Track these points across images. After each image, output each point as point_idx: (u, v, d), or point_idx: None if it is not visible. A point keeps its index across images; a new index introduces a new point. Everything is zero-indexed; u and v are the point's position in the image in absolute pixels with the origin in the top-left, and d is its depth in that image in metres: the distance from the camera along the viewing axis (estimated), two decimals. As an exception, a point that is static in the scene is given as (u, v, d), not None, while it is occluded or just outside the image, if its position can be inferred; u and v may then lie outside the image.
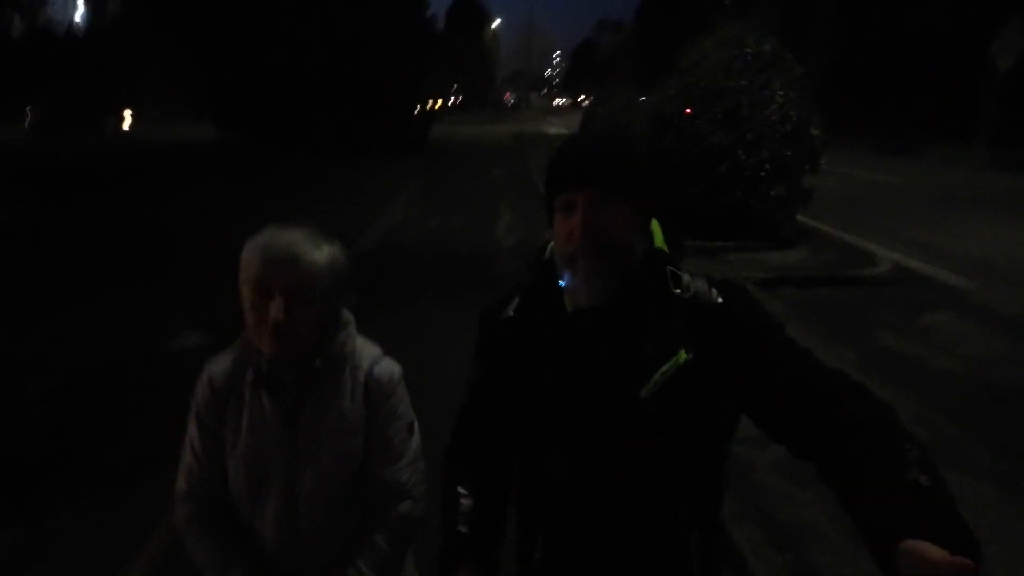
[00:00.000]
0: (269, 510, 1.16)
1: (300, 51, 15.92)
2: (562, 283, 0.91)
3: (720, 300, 0.90)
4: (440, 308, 5.05)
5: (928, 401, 3.49)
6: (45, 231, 7.95)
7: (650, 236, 0.95)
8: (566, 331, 0.94)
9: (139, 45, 28.72)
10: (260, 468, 1.15)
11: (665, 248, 0.95)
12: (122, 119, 29.14)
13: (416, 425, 1.25)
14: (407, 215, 9.44)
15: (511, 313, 1.01)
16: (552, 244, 0.97)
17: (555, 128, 30.57)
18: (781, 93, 6.63)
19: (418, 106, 21.09)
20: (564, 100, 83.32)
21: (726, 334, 0.87)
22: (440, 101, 35.91)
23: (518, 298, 1.02)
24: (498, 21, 65.23)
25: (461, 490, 1.03)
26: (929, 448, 0.71)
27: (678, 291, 0.91)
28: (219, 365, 1.19)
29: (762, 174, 6.55)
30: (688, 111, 6.74)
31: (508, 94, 69.48)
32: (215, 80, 17.41)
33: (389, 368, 1.22)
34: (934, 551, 0.56)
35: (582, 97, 62.79)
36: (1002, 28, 14.46)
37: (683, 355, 0.87)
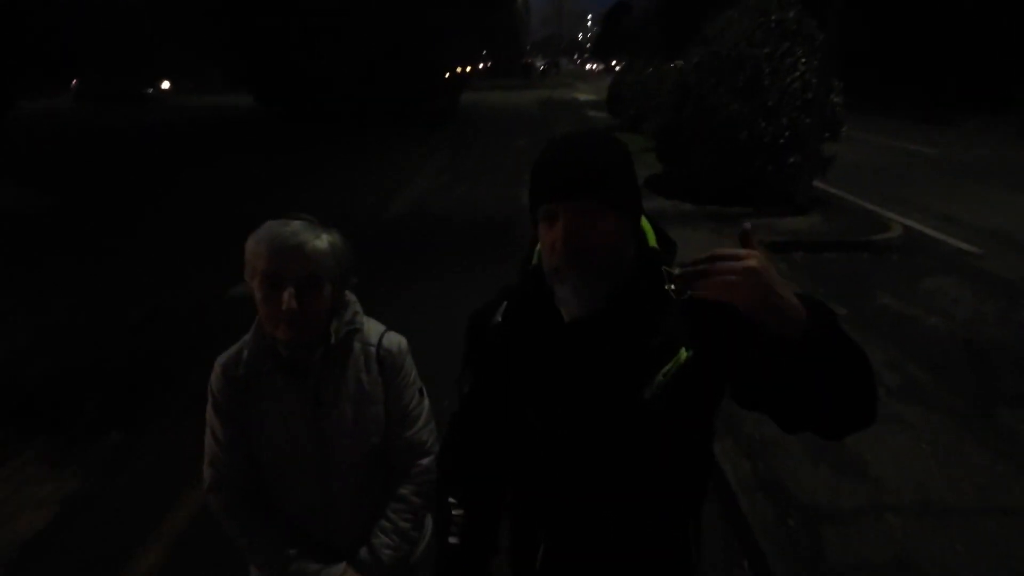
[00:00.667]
0: (303, 486, 1.24)
1: (332, 24, 16.23)
2: (558, 297, 0.90)
3: None
4: (464, 271, 5.49)
5: (908, 353, 3.82)
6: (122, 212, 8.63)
7: (642, 237, 0.94)
8: (561, 338, 0.92)
9: (177, 16, 29.30)
10: (290, 448, 1.22)
11: (658, 247, 0.94)
12: (160, 88, 30.11)
13: (424, 391, 1.35)
14: (436, 183, 9.86)
15: (500, 319, 1.00)
16: (538, 249, 0.95)
17: (584, 95, 30.28)
18: (803, 61, 6.75)
19: (447, 73, 21.24)
20: (596, 65, 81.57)
21: (725, 327, 0.85)
22: (469, 68, 35.78)
23: (507, 303, 1.01)
24: (529, -16, 63.59)
25: (453, 501, 1.05)
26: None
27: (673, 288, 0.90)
28: (233, 356, 1.25)
29: (781, 141, 6.74)
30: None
31: (536, 61, 68.23)
32: (250, 53, 17.89)
33: (397, 340, 1.30)
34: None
35: (614, 62, 61.38)
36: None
37: (684, 354, 0.87)
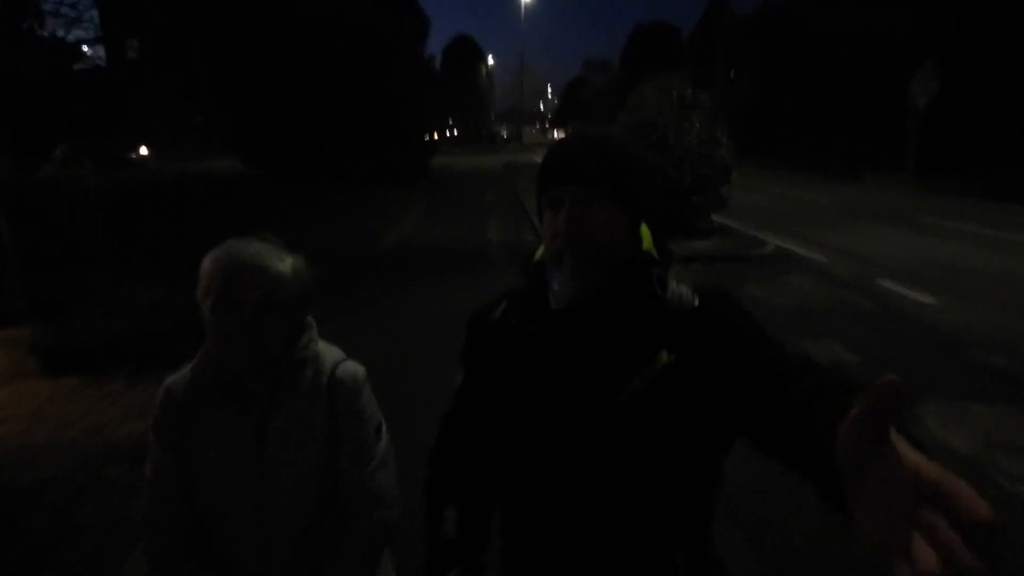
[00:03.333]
0: (241, 527, 1.14)
1: (313, 92, 18.43)
2: (552, 284, 0.89)
3: (698, 303, 0.89)
4: (447, 280, 7.20)
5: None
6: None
7: (638, 239, 0.93)
8: (548, 332, 0.92)
9: (159, 85, 31.42)
10: (229, 485, 1.13)
11: (653, 252, 0.94)
12: (139, 155, 31.86)
13: (384, 427, 1.23)
14: (417, 227, 11.65)
15: (497, 316, 1.01)
16: (542, 248, 0.95)
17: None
18: (698, 126, 8.93)
19: (420, 138, 23.60)
20: (557, 134, 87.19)
21: (708, 337, 0.85)
22: (438, 135, 38.71)
23: (506, 303, 1.02)
24: (492, 62, 69.02)
25: (445, 497, 1.06)
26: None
27: (663, 295, 0.90)
28: (180, 380, 1.16)
29: (685, 184, 8.80)
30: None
31: (500, 129, 72.73)
32: (235, 119, 19.88)
33: (352, 369, 1.21)
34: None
35: (571, 130, 65.82)
36: (918, 71, 17.08)
37: (664, 358, 0.85)
